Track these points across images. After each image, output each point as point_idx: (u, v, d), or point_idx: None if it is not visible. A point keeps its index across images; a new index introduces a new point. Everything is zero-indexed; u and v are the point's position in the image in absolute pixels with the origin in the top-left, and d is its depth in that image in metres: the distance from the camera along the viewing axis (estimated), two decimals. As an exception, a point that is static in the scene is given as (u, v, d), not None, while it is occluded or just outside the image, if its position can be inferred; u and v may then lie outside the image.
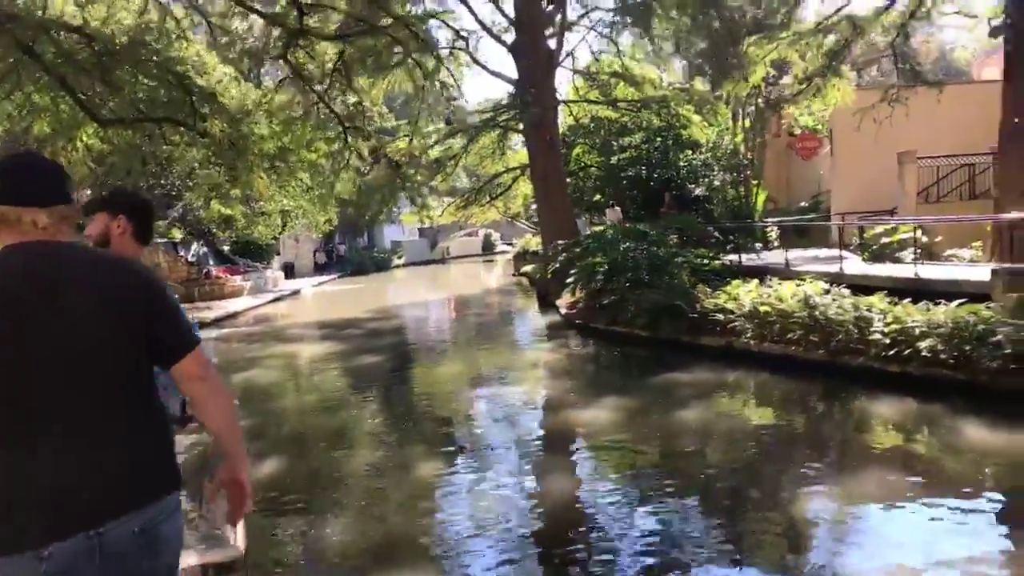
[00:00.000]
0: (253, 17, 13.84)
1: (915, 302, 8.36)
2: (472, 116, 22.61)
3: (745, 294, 10.31)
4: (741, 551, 4.38)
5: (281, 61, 13.57)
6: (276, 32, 13.55)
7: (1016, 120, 10.96)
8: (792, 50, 14.53)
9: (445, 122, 20.97)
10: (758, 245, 17.46)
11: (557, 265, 15.47)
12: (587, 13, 19.38)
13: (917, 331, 7.66)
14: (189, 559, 2.90)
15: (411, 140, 19.51)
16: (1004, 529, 4.57)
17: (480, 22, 22.13)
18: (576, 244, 15.87)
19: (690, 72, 22.98)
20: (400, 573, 4.37)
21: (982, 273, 9.03)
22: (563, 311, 14.48)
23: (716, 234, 17.27)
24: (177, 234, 26.23)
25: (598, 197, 23.91)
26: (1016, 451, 5.87)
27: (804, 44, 14.35)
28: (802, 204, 22.18)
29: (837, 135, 18.91)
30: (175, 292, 2.24)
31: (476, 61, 19.14)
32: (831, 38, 14.01)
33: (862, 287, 9.64)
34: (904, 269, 10.68)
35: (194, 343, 1.95)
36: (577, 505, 5.39)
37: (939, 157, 16.58)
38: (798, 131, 23.23)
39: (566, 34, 18.96)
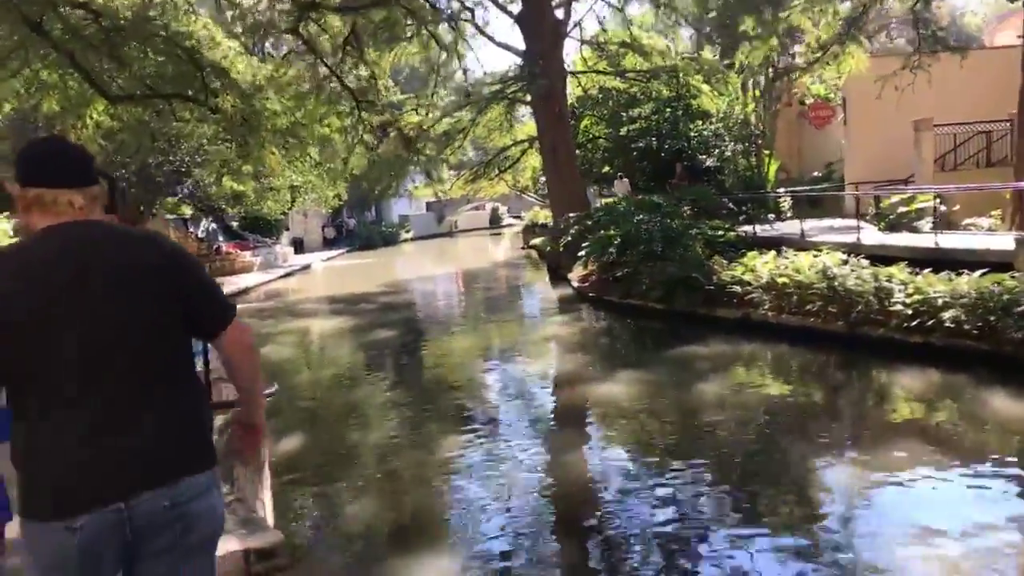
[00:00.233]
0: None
1: (935, 272, 8.27)
2: (480, 88, 22.34)
3: (762, 265, 10.22)
4: (760, 522, 4.38)
5: (291, 35, 13.40)
6: (282, 5, 13.35)
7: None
8: (804, 17, 14.26)
9: (464, 94, 20.67)
10: (771, 216, 17.29)
11: (569, 238, 15.36)
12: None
13: (940, 301, 7.58)
14: (229, 544, 2.86)
15: (427, 113, 19.30)
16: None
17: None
18: (588, 216, 15.76)
19: (699, 42, 22.62)
20: (418, 548, 4.38)
21: (1004, 242, 8.92)
22: (575, 284, 14.43)
23: (730, 204, 17.10)
24: (187, 211, 26.21)
25: (607, 169, 23.71)
26: (1042, 421, 5.82)
27: (818, 11, 14.08)
28: (815, 174, 21.91)
29: (851, 103, 18.65)
30: None
31: (483, 32, 18.88)
32: (847, 4, 13.74)
33: (880, 257, 9.52)
34: (924, 239, 10.56)
35: (232, 314, 2.01)
36: (595, 479, 5.39)
37: (955, 124, 16.31)
38: (810, 100, 22.90)
39: (573, 4, 18.67)
